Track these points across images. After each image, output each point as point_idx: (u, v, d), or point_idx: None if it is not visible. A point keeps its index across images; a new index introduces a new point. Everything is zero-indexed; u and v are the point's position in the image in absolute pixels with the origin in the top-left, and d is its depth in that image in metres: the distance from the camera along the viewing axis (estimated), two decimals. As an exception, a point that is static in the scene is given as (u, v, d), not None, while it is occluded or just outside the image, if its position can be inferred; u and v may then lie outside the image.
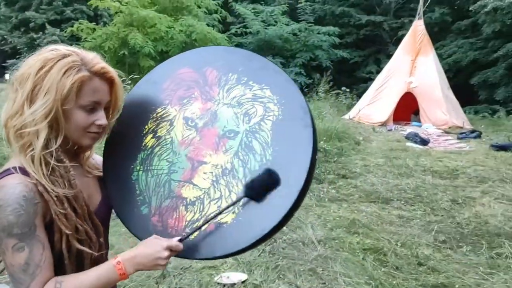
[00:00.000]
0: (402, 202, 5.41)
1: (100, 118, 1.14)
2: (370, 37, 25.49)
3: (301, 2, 22.09)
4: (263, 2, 26.22)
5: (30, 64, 1.11)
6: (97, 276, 1.06)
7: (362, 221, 4.56)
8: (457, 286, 3.27)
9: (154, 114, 1.29)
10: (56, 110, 1.06)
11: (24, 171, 1.04)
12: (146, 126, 1.28)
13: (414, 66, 14.63)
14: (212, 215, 1.13)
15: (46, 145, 1.07)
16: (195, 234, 1.13)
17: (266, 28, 21.32)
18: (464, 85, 21.32)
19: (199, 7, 18.24)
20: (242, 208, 1.12)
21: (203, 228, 1.13)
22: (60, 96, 1.06)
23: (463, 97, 18.91)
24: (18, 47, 25.26)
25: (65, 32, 16.54)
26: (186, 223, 1.15)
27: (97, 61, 1.13)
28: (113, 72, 1.16)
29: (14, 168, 1.05)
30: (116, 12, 15.68)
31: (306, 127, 1.13)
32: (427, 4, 16.01)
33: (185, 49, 15.75)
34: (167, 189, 1.20)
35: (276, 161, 1.13)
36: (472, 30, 22.37)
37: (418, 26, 15.34)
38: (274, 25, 21.58)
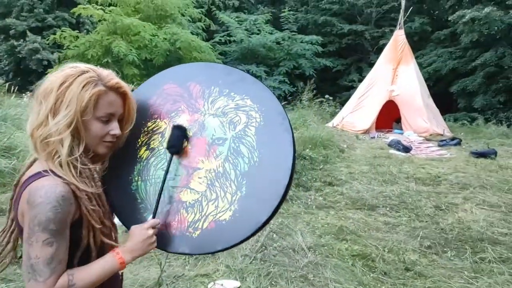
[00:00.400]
0: (388, 208, 5.52)
1: (114, 128, 1.25)
2: (352, 46, 25.89)
3: (284, 11, 22.31)
4: (246, 11, 26.44)
5: (52, 80, 1.21)
6: (101, 266, 1.18)
7: (350, 228, 4.65)
8: (443, 289, 3.37)
9: (145, 128, 1.40)
10: (76, 121, 1.18)
11: (55, 175, 1.14)
12: (139, 140, 1.38)
13: (396, 74, 14.92)
14: (160, 188, 1.27)
15: (70, 152, 1.18)
16: (187, 217, 1.26)
17: (249, 37, 21.48)
18: (444, 93, 21.79)
19: (183, 15, 18.27)
20: (238, 205, 1.24)
21: (191, 218, 1.26)
22: (80, 108, 1.18)
23: (443, 105, 19.32)
24: (-2, 55, 24.93)
25: (47, 39, 16.40)
26: (188, 223, 1.26)
27: (112, 77, 1.25)
28: (126, 87, 1.27)
29: (45, 171, 1.15)
30: (100, 20, 15.60)
31: (285, 131, 1.28)
32: (407, 14, 16.38)
33: (169, 57, 15.78)
34: (167, 196, 1.30)
35: (263, 162, 1.26)
36: (451, 40, 22.93)
37: (399, 36, 15.67)
38: (258, 34, 21.76)
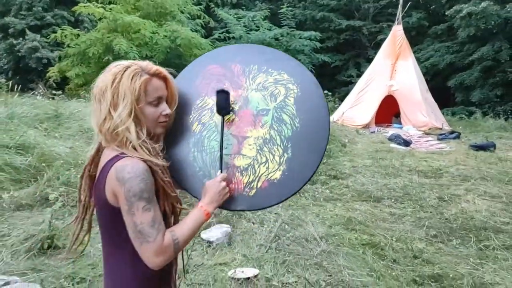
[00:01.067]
0: (392, 200, 5.68)
1: (165, 109, 1.40)
2: (350, 41, 26.03)
3: (282, 7, 22.39)
4: (244, 7, 26.49)
5: (104, 79, 1.36)
6: (192, 220, 1.36)
7: (358, 218, 4.80)
8: (451, 275, 3.52)
9: (195, 106, 1.56)
10: (134, 109, 1.32)
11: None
12: (190, 116, 1.54)
13: (394, 69, 15.06)
14: (220, 152, 1.46)
15: (138, 136, 1.32)
16: (243, 179, 1.46)
17: (248, 33, 21.54)
18: (442, 88, 21.96)
19: (182, 12, 18.32)
20: (286, 165, 1.43)
21: (246, 180, 1.45)
22: (134, 97, 1.32)
23: (441, 99, 19.48)
24: (-4, 53, 24.92)
25: (48, 38, 16.42)
26: (244, 185, 1.44)
27: (151, 65, 1.40)
28: (165, 71, 1.42)
29: (122, 153, 1.30)
30: (100, 18, 15.65)
31: (319, 98, 1.51)
32: (405, 9, 16.50)
33: (169, 54, 15.85)
34: (223, 163, 1.46)
35: (304, 126, 1.47)
36: (448, 34, 23.06)
37: (397, 31, 15.80)
38: (257, 30, 21.83)
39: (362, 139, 11.32)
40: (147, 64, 1.39)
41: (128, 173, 1.24)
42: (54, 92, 9.70)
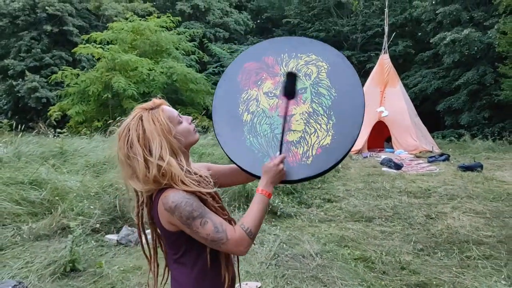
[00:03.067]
0: (383, 219, 6.07)
1: (187, 117, 1.62)
2: (340, 70, 26.81)
3: (273, 41, 23.20)
4: (236, 42, 27.41)
5: (128, 142, 1.49)
6: (256, 205, 1.51)
7: (350, 236, 5.18)
8: (435, 283, 3.88)
9: (241, 99, 1.77)
10: (167, 143, 1.48)
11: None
12: (239, 108, 1.75)
13: (384, 96, 15.69)
14: (282, 134, 1.63)
15: (181, 167, 1.48)
16: (298, 150, 1.65)
17: (241, 66, 22.25)
18: (431, 112, 22.66)
19: (177, 49, 19.02)
20: (333, 130, 1.63)
21: (302, 151, 1.64)
22: (165, 132, 1.49)
23: (431, 123, 20.12)
24: (-4, 95, 25.50)
25: (48, 78, 17.00)
26: (300, 155, 1.63)
27: (151, 102, 1.57)
28: (156, 99, 1.61)
29: (164, 189, 1.46)
30: (99, 58, 16.28)
31: (348, 67, 1.73)
32: (391, 39, 17.29)
33: (166, 89, 16.42)
34: (276, 141, 1.67)
35: (340, 94, 1.68)
36: (434, 61, 23.96)
37: (384, 60, 16.53)
38: (249, 63, 22.55)
39: (355, 164, 11.75)
40: (148, 103, 1.56)
41: (172, 202, 1.41)
42: (59, 130, 10.11)
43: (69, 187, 5.76)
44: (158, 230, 1.59)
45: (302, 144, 1.64)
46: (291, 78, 1.65)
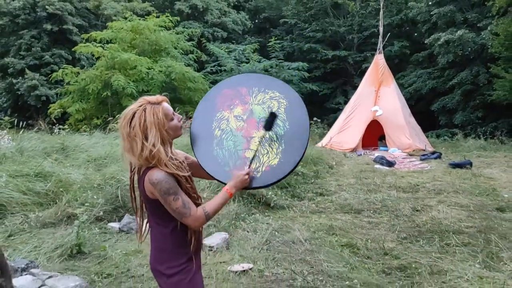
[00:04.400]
0: (371, 211, 6.38)
1: (178, 116, 2.04)
2: (337, 70, 27.18)
3: (270, 41, 23.51)
4: (234, 41, 27.67)
5: (130, 125, 1.91)
6: (219, 198, 1.96)
7: (339, 226, 5.48)
8: (414, 266, 4.19)
9: (215, 117, 2.21)
10: (160, 134, 1.91)
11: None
12: (213, 125, 2.19)
13: (378, 96, 15.98)
14: (251, 158, 2.07)
15: (166, 154, 1.91)
16: (252, 166, 2.07)
17: (239, 66, 22.54)
18: (426, 112, 22.97)
19: (175, 48, 19.31)
20: (281, 154, 2.06)
21: (254, 166, 2.08)
22: (160, 125, 1.91)
23: (426, 122, 20.43)
24: (-4, 93, 25.74)
25: (48, 76, 17.29)
26: (253, 169, 2.07)
27: (154, 97, 1.97)
28: (160, 96, 2.01)
29: (151, 167, 1.90)
30: (99, 57, 16.56)
31: (302, 107, 2.17)
32: (385, 39, 17.61)
33: (164, 88, 16.72)
34: (237, 155, 2.11)
35: (292, 127, 2.12)
36: (429, 61, 24.26)
37: (378, 60, 16.83)
38: (247, 63, 22.83)
39: (349, 162, 12.07)
40: (152, 98, 1.95)
41: (155, 179, 1.86)
42: (61, 126, 10.37)
43: (73, 179, 6.06)
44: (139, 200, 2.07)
45: (256, 161, 2.07)
46: (273, 117, 2.10)
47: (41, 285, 3.18)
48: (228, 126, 2.17)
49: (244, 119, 2.17)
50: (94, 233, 4.68)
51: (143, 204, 2.07)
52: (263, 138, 2.11)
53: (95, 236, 4.63)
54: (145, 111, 1.90)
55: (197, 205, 1.99)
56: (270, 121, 2.10)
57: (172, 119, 1.98)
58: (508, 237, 5.12)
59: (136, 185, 2.04)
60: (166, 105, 1.98)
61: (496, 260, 4.38)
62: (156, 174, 1.87)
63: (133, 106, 1.95)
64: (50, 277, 3.35)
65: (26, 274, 3.37)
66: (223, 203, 1.99)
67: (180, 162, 1.99)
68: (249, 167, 2.06)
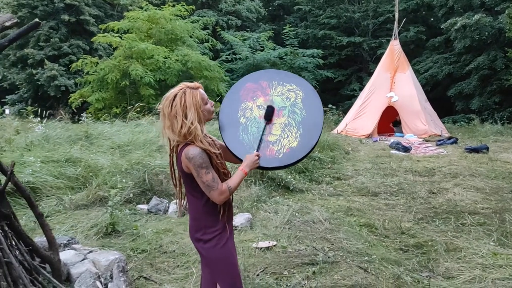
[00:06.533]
0: (388, 194, 6.56)
1: (212, 102, 2.34)
2: (351, 57, 27.09)
3: (285, 28, 23.54)
4: (248, 29, 27.74)
5: (171, 105, 2.20)
6: (236, 175, 2.23)
7: (357, 207, 5.69)
8: (430, 243, 4.38)
9: (240, 107, 2.49)
10: (198, 114, 2.20)
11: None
12: (238, 114, 2.46)
13: (393, 82, 16.00)
14: (261, 137, 2.35)
15: (202, 131, 2.20)
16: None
17: (254, 54, 22.66)
18: (442, 97, 22.85)
19: (191, 37, 19.48)
20: (299, 137, 2.34)
21: (276, 149, 2.35)
22: (198, 106, 2.21)
23: (442, 108, 20.36)
24: (17, 83, 26.26)
25: (67, 66, 17.63)
26: (275, 151, 2.34)
27: (194, 83, 2.27)
28: (197, 83, 2.32)
29: (188, 143, 2.19)
30: (116, 47, 16.84)
31: (316, 97, 2.47)
32: (401, 25, 17.53)
33: (181, 76, 16.94)
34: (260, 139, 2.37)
35: (308, 114, 2.40)
36: (445, 46, 24.02)
37: (394, 46, 16.79)
38: (262, 50, 22.93)
39: (364, 148, 12.21)
40: (191, 84, 2.25)
41: (191, 154, 2.13)
42: (86, 115, 10.68)
43: (101, 165, 6.35)
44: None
45: (277, 144, 2.35)
46: (270, 109, 2.41)
47: (84, 259, 3.45)
48: (252, 114, 2.44)
49: (265, 108, 2.44)
50: (125, 214, 4.96)
51: (181, 179, 2.33)
52: (283, 124, 2.39)
53: (126, 216, 4.90)
54: (185, 94, 2.18)
55: (224, 180, 2.26)
56: (268, 113, 2.39)
57: (206, 103, 2.27)
58: (522, 217, 5.26)
59: (175, 161, 2.31)
60: (202, 91, 2.27)
61: (511, 238, 4.54)
62: (192, 150, 2.14)
63: (174, 90, 2.23)
64: (90, 251, 3.62)
65: (68, 249, 3.65)
66: (240, 180, 2.25)
67: (212, 140, 2.31)
68: (257, 150, 2.33)
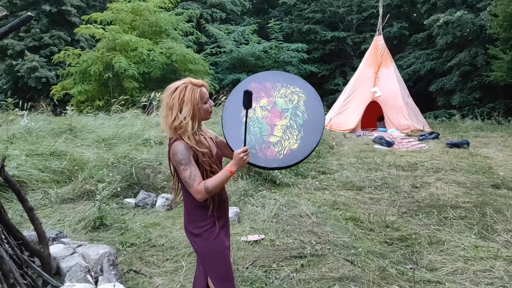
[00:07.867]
0: (372, 188, 6.67)
1: (211, 103, 2.34)
2: (336, 51, 27.26)
3: (270, 22, 23.53)
4: (233, 22, 27.64)
5: (172, 96, 2.22)
6: (220, 175, 2.19)
7: (342, 201, 5.78)
8: (413, 236, 4.50)
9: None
10: (193, 111, 2.21)
11: (184, 142, 2.21)
12: (241, 113, 2.45)
13: (377, 77, 16.18)
14: (243, 131, 2.28)
15: (192, 128, 2.20)
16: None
17: (238, 47, 22.62)
18: (424, 93, 23.20)
19: (175, 29, 19.31)
20: (300, 140, 2.36)
21: (277, 150, 2.35)
22: (195, 103, 2.22)
23: (424, 103, 20.67)
24: (-5, 74, 25.72)
25: (48, 58, 17.30)
26: (276, 152, 2.35)
27: (197, 81, 2.28)
28: (203, 81, 2.34)
29: (177, 139, 2.19)
30: (99, 38, 16.60)
31: (318, 101, 2.49)
32: (385, 20, 17.70)
33: (165, 69, 16.81)
34: (262, 140, 2.39)
35: (310, 117, 2.42)
36: (427, 42, 24.36)
37: (378, 41, 16.96)
38: (246, 44, 22.90)
39: (348, 142, 12.35)
40: (195, 81, 2.26)
41: (175, 150, 2.16)
42: (70, 108, 10.53)
43: (86, 158, 6.31)
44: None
45: (278, 145, 2.37)
46: (249, 95, 2.27)
47: (73, 253, 3.45)
48: (254, 114, 2.45)
49: (268, 109, 2.46)
50: (112, 208, 4.95)
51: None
52: (285, 126, 2.41)
53: (114, 210, 4.89)
54: (186, 88, 2.21)
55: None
56: (246, 100, 2.30)
57: (205, 103, 2.28)
58: (502, 211, 5.41)
59: None
60: (204, 90, 2.29)
61: (491, 231, 4.68)
62: (177, 146, 2.17)
63: (178, 82, 2.26)
64: (79, 245, 3.62)
65: (57, 243, 3.64)
66: (223, 180, 2.20)
67: (205, 138, 2.31)
68: (244, 144, 2.30)
